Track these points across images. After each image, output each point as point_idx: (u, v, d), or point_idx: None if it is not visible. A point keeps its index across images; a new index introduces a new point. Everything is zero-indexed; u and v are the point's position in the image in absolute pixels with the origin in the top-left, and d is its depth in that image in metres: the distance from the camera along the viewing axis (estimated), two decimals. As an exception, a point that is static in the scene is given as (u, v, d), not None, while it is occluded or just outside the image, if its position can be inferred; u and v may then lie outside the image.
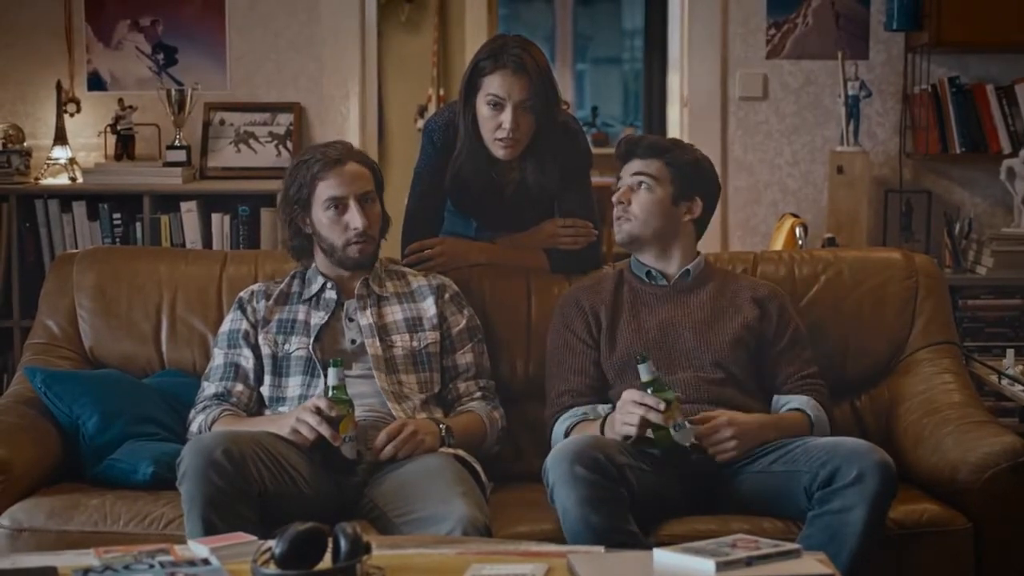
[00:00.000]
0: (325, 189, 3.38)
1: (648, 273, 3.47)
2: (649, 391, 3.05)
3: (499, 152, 3.54)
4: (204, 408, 3.34)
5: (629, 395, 3.07)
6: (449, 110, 3.70)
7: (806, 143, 5.25)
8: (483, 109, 3.52)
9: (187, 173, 4.98)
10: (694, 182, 3.45)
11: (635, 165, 3.41)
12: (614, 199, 3.41)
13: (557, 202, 3.71)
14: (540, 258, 3.72)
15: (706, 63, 5.25)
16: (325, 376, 3.24)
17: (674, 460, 3.08)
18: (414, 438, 3.18)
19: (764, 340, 3.38)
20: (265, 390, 3.39)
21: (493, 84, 3.50)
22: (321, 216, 3.40)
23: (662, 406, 3.03)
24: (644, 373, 3.07)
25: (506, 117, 3.49)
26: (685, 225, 3.47)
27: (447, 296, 3.51)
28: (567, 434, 3.27)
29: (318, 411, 3.10)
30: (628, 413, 3.06)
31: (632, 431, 3.06)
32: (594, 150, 3.98)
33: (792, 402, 3.30)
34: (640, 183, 3.40)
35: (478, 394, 3.44)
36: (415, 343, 3.42)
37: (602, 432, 3.17)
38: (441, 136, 3.65)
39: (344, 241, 3.39)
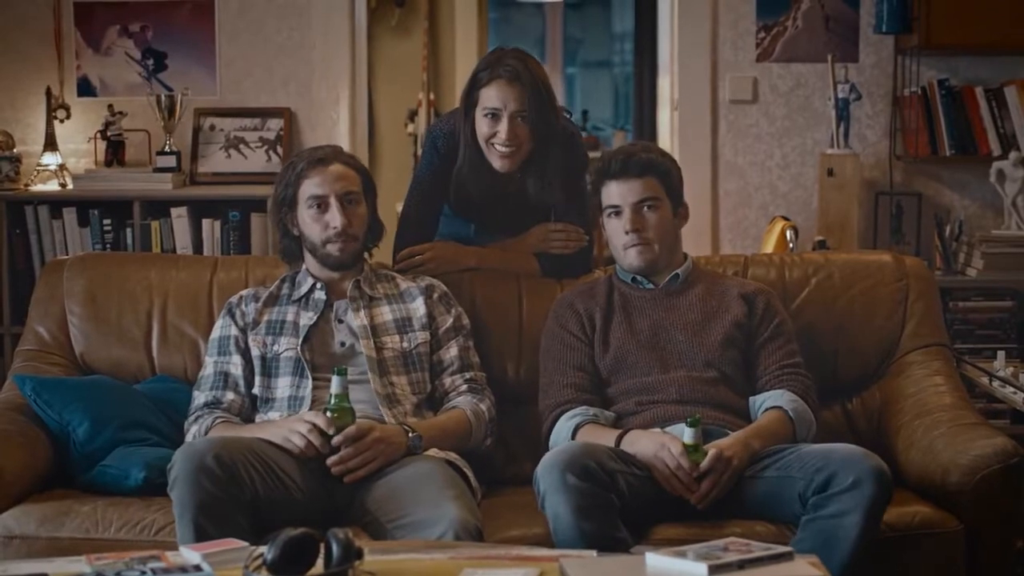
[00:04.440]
0: (308, 187, 3.40)
1: (634, 279, 3.48)
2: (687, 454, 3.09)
3: (497, 163, 3.55)
4: (197, 418, 3.34)
5: (676, 451, 3.07)
6: (453, 116, 3.71)
7: (796, 146, 5.25)
8: (480, 120, 3.54)
9: (177, 179, 4.98)
10: (680, 189, 3.47)
11: (634, 187, 3.39)
12: (626, 228, 3.39)
13: (553, 207, 3.71)
14: (531, 263, 3.73)
15: (696, 66, 5.25)
16: (312, 378, 3.30)
17: None
18: (377, 445, 3.15)
19: (751, 335, 3.39)
20: (255, 391, 3.39)
21: (489, 95, 3.51)
22: (304, 215, 3.42)
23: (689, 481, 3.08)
24: (688, 436, 3.09)
25: (502, 127, 3.50)
26: (679, 232, 3.49)
27: (436, 296, 3.51)
28: (575, 431, 3.26)
29: (314, 427, 3.11)
30: (664, 466, 3.08)
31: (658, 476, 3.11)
32: (585, 154, 3.98)
33: (767, 401, 3.30)
34: (647, 206, 3.40)
35: (464, 387, 3.43)
36: (405, 344, 3.42)
37: (618, 444, 3.16)
38: (445, 143, 3.65)
39: (324, 239, 3.40)
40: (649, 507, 3.08)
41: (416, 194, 3.71)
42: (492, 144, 3.53)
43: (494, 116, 3.51)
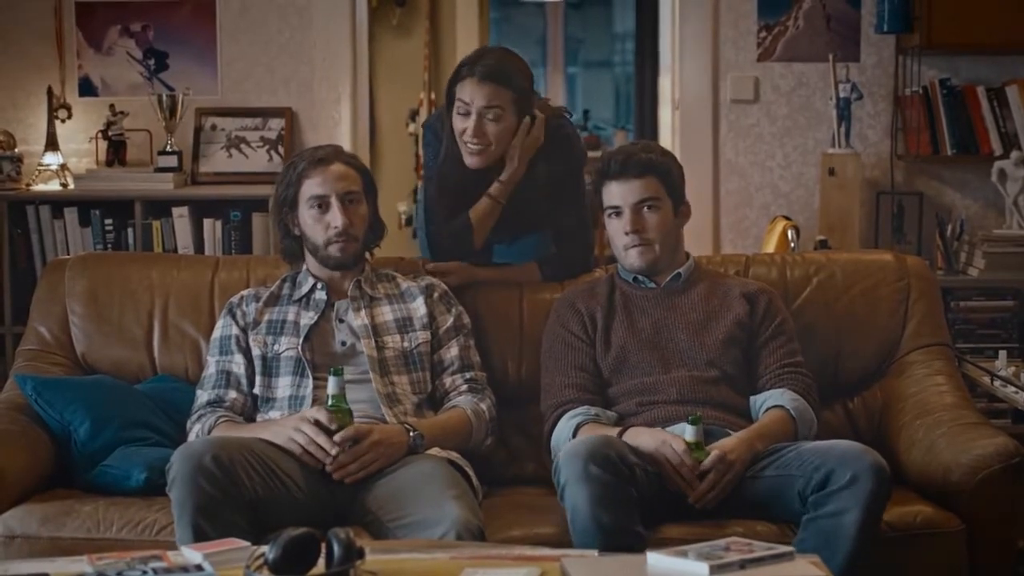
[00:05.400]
0: (309, 187, 3.40)
1: (635, 278, 3.48)
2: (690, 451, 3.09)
3: (467, 160, 3.56)
4: (200, 417, 3.34)
5: (679, 447, 3.07)
6: (442, 108, 3.73)
7: (797, 145, 5.25)
8: (455, 116, 3.55)
9: (178, 179, 4.98)
10: (681, 188, 3.47)
11: (634, 188, 3.38)
12: (626, 229, 3.39)
13: (551, 210, 3.70)
14: (533, 271, 3.75)
15: (697, 66, 5.25)
16: (313, 378, 3.29)
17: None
18: (376, 448, 3.15)
19: (752, 334, 3.39)
20: (256, 390, 3.40)
21: (463, 90, 3.53)
22: (305, 215, 3.42)
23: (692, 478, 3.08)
24: (689, 433, 3.09)
25: (470, 124, 3.51)
26: (681, 231, 3.49)
27: (436, 295, 3.51)
28: (575, 431, 3.25)
29: (316, 424, 3.10)
30: (667, 461, 3.07)
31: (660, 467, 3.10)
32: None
33: (768, 400, 3.29)
34: (647, 206, 3.40)
35: (464, 387, 3.43)
36: (406, 344, 3.42)
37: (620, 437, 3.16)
38: (441, 128, 3.66)
39: (325, 240, 3.40)
40: (660, 505, 3.07)
41: (433, 184, 3.68)
42: (463, 140, 3.54)
43: (466, 113, 3.52)
